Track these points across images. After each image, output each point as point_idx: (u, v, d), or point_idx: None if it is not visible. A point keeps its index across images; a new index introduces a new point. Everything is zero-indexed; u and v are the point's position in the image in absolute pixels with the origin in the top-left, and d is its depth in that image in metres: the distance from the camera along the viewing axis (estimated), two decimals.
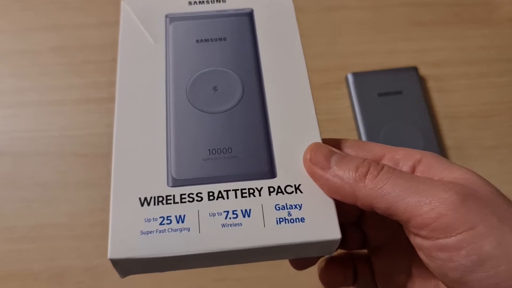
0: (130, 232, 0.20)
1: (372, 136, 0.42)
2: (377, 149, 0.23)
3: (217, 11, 0.27)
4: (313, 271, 0.29)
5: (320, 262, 0.29)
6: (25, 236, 0.39)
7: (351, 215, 0.27)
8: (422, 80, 0.45)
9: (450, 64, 0.47)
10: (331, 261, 0.29)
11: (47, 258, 0.38)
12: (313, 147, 0.22)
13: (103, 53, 0.46)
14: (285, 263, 0.38)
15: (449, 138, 0.43)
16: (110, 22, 0.47)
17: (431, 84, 0.46)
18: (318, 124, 0.23)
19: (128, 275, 0.21)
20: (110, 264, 0.41)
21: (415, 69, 0.45)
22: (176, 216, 0.21)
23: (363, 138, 0.42)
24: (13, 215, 0.40)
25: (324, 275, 0.28)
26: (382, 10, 0.50)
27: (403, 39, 0.48)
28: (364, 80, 0.44)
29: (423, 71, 0.46)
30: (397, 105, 0.43)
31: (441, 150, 0.42)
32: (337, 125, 0.44)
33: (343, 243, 0.23)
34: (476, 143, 0.43)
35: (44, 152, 0.42)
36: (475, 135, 0.44)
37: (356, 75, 0.45)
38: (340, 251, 0.29)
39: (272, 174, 0.22)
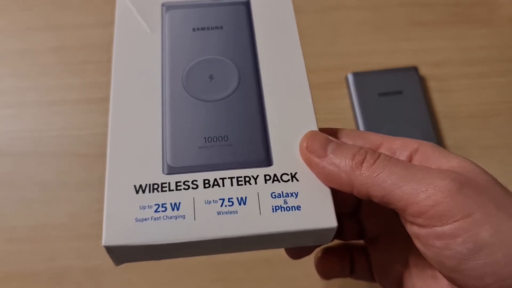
0: (125, 219, 0.20)
1: None
2: (375, 138, 0.23)
3: None
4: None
5: (317, 252, 0.29)
6: (25, 236, 0.39)
7: (348, 205, 0.27)
8: (422, 80, 0.45)
9: (450, 64, 0.47)
10: (327, 251, 0.29)
11: (47, 258, 0.38)
12: (310, 135, 0.22)
13: (103, 53, 0.46)
14: (285, 263, 0.38)
15: (449, 138, 0.43)
16: (110, 22, 0.47)
17: (431, 84, 0.46)
18: (315, 112, 0.23)
19: (122, 263, 0.21)
20: (110, 265, 0.41)
21: (415, 69, 0.45)
22: (171, 203, 0.20)
23: None
24: (13, 215, 0.40)
25: (321, 265, 0.28)
26: (382, 10, 0.50)
27: (403, 39, 0.48)
28: (364, 80, 0.44)
29: (423, 71, 0.46)
30: (397, 105, 0.43)
31: None
32: (337, 125, 0.43)
33: (339, 233, 0.24)
34: (476, 143, 0.43)
35: (44, 152, 0.42)
36: (475, 135, 0.43)
37: (356, 75, 0.45)
38: (336, 241, 0.29)
39: (268, 162, 0.22)
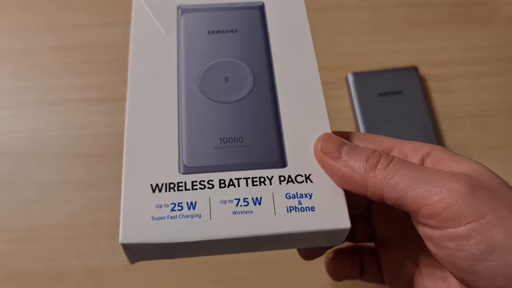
0: (142, 217, 0.20)
1: None
2: (386, 142, 0.24)
3: (229, 3, 0.27)
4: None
5: (328, 254, 0.29)
6: (25, 236, 0.39)
7: (360, 206, 0.28)
8: (422, 80, 0.45)
9: (450, 64, 0.47)
10: (338, 253, 0.29)
11: (47, 258, 0.38)
12: (324, 137, 0.22)
13: (103, 53, 0.46)
14: (285, 263, 0.38)
15: (449, 138, 0.43)
16: (110, 22, 0.47)
17: (431, 84, 0.46)
18: (328, 115, 0.24)
19: (137, 261, 0.21)
20: (110, 265, 0.41)
21: (415, 69, 0.45)
22: (187, 202, 0.21)
23: None
24: (13, 215, 0.40)
25: (332, 266, 0.29)
26: (382, 10, 0.50)
27: (403, 39, 0.48)
28: (364, 80, 0.44)
29: (423, 71, 0.46)
30: (397, 105, 0.43)
31: None
32: (337, 125, 0.43)
33: (351, 235, 0.24)
34: (476, 143, 0.43)
35: (44, 152, 0.42)
36: (475, 135, 0.44)
37: (356, 75, 0.45)
38: (347, 243, 0.29)
39: (282, 163, 0.22)
